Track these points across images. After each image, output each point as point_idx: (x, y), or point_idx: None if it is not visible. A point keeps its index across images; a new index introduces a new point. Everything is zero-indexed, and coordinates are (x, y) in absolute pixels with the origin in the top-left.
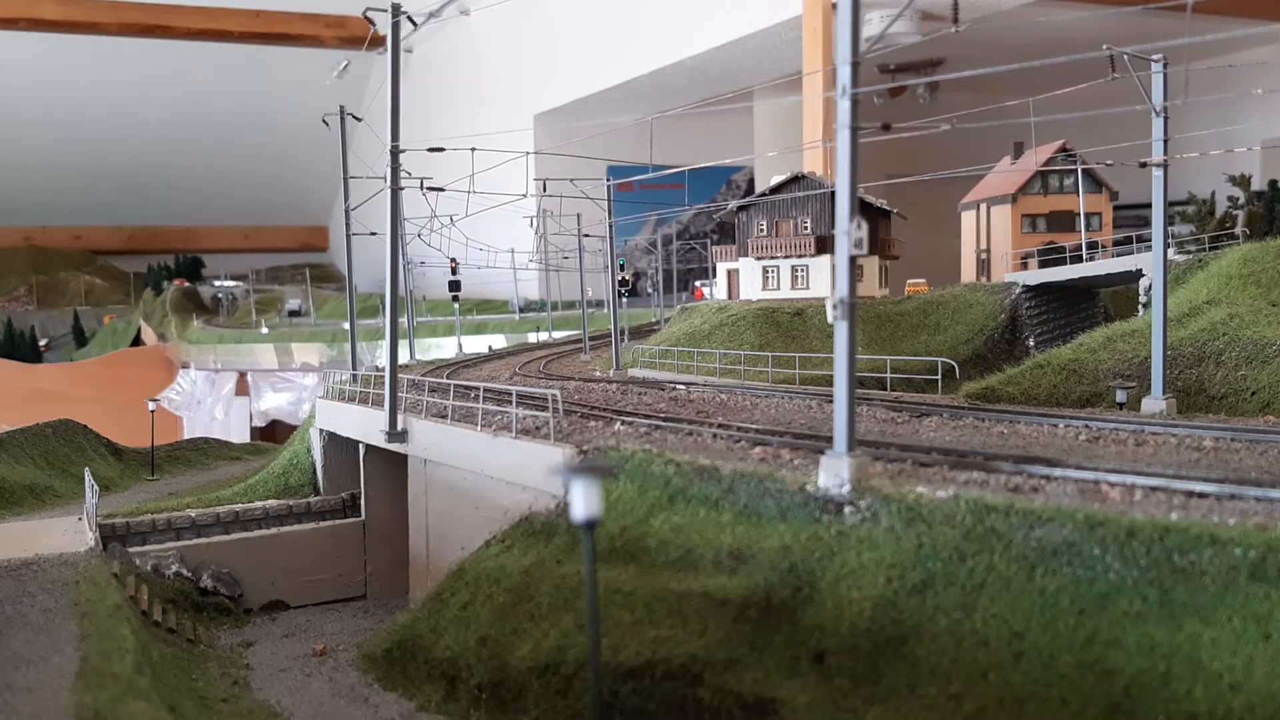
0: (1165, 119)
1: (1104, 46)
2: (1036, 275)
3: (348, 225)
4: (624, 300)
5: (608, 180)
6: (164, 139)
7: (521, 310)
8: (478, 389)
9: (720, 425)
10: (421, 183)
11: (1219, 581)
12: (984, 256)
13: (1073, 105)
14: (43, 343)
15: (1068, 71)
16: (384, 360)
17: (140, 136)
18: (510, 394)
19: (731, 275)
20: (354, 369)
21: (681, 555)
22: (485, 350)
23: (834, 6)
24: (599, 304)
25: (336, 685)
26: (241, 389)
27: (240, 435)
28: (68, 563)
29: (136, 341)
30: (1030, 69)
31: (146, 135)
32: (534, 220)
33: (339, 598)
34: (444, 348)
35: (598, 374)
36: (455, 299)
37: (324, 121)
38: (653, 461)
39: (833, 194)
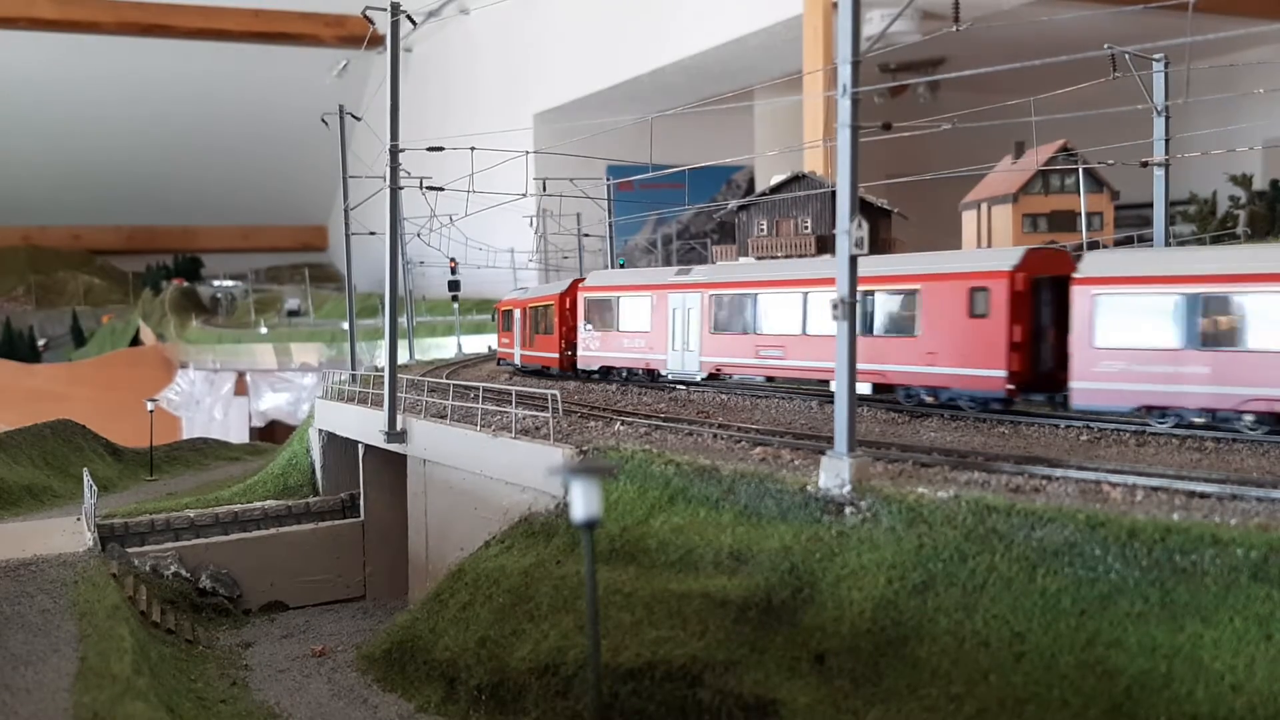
0: (1166, 118)
1: (1105, 46)
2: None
3: (347, 225)
4: None
5: (608, 180)
6: (163, 138)
7: None
8: (477, 389)
9: (720, 425)
10: (421, 182)
11: (1220, 582)
12: None
13: (1074, 105)
14: (41, 342)
15: (1069, 71)
16: (383, 360)
17: (139, 136)
18: (510, 394)
19: None
20: (353, 369)
21: (681, 556)
22: (485, 350)
23: (834, 5)
24: None
25: (335, 686)
26: (240, 389)
27: (239, 435)
28: (66, 563)
29: (135, 341)
30: (1031, 68)
31: (145, 135)
32: (534, 220)
33: (338, 598)
34: (444, 348)
35: None
36: (455, 299)
37: (323, 121)
38: (653, 462)
39: (833, 193)
